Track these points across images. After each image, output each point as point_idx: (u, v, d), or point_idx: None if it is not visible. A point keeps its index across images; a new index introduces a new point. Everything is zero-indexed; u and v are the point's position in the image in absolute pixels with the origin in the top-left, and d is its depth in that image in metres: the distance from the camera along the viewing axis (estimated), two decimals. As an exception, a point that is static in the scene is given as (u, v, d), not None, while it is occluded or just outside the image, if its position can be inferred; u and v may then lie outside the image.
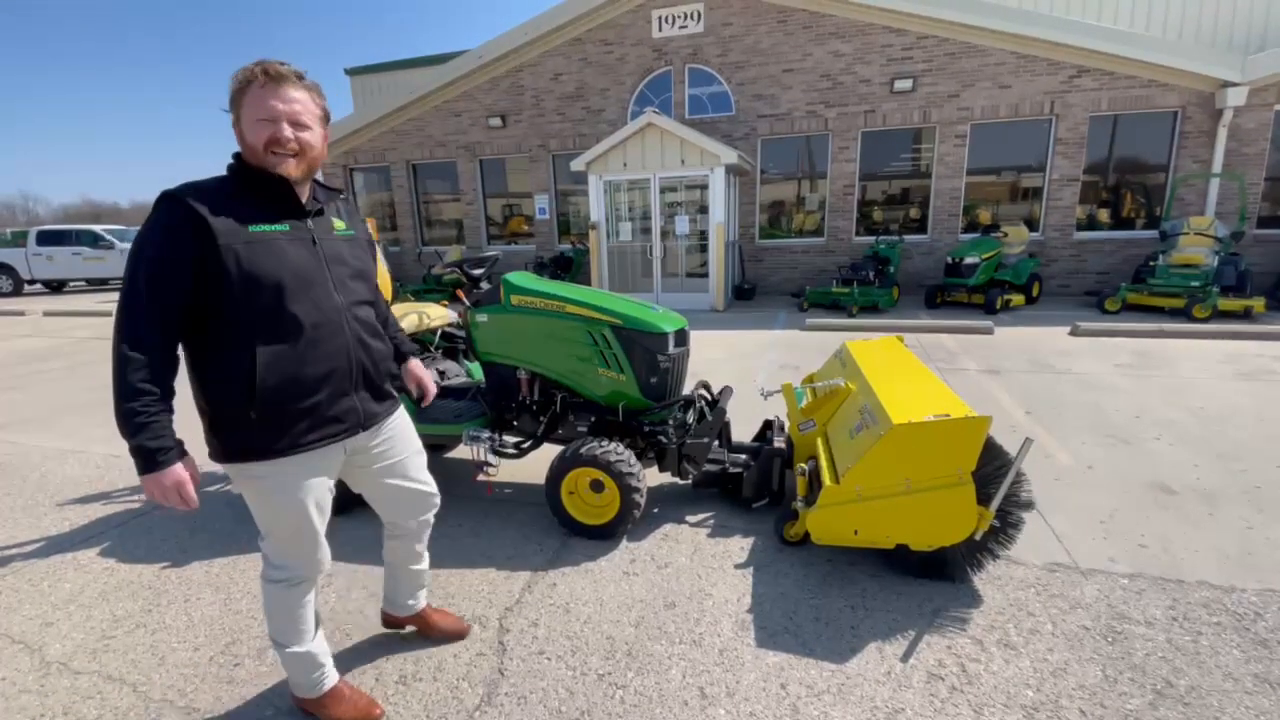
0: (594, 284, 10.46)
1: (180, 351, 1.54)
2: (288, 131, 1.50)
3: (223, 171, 1.59)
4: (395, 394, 1.88)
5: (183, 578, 2.69)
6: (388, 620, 2.23)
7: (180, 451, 1.49)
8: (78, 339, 9.12)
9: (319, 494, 1.68)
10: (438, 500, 2.04)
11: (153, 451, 1.43)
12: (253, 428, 1.53)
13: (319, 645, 1.84)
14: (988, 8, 9.52)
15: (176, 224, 1.43)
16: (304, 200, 1.60)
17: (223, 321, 1.49)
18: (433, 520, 2.07)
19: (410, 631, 2.25)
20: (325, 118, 1.62)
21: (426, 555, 2.14)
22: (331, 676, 1.87)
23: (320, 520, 1.71)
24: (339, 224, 1.71)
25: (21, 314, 12.12)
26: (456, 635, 2.20)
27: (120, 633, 2.33)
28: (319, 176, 1.74)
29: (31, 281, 16.31)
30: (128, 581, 2.67)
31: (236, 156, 1.56)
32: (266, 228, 1.51)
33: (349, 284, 1.66)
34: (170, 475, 1.45)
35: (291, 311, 1.52)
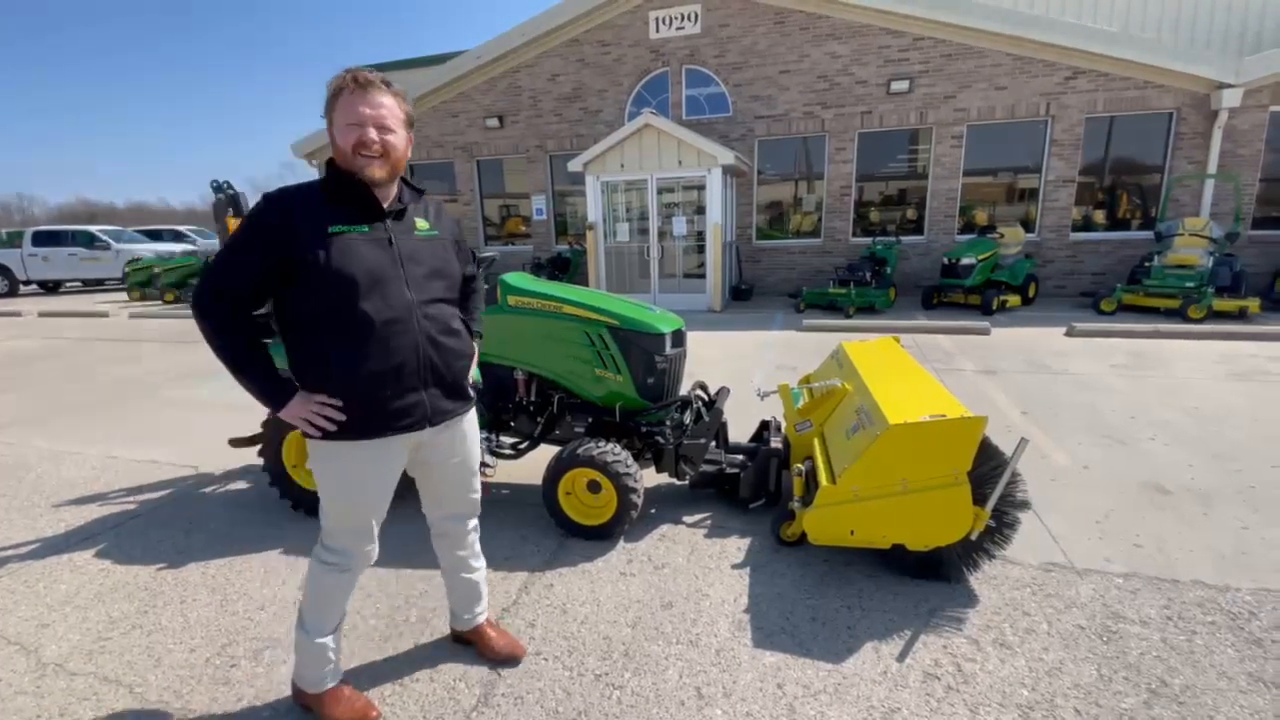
0: (591, 285, 10.46)
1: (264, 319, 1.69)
2: (373, 134, 1.59)
3: (213, 168, 1.63)
4: (470, 394, 1.91)
5: (179, 579, 2.69)
6: (455, 635, 2.21)
7: (295, 384, 1.66)
8: (73, 340, 9.10)
9: (376, 484, 1.75)
10: (478, 511, 2.06)
11: (269, 389, 1.62)
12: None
13: (335, 642, 1.87)
14: (984, 9, 9.55)
15: (259, 224, 1.58)
16: (387, 203, 1.69)
17: (304, 313, 1.62)
18: (476, 530, 2.08)
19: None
20: (409, 121, 1.70)
21: (481, 569, 2.12)
22: (336, 676, 1.90)
23: (374, 510, 1.78)
24: (422, 224, 1.78)
25: (17, 314, 12.08)
26: (510, 656, 2.10)
27: (116, 634, 2.32)
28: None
29: (27, 282, 16.23)
30: (124, 583, 2.67)
31: (329, 162, 1.67)
32: (345, 228, 1.61)
33: (424, 282, 1.72)
34: (298, 403, 1.62)
35: (362, 308, 1.60)
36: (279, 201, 1.60)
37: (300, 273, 1.57)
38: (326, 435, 1.65)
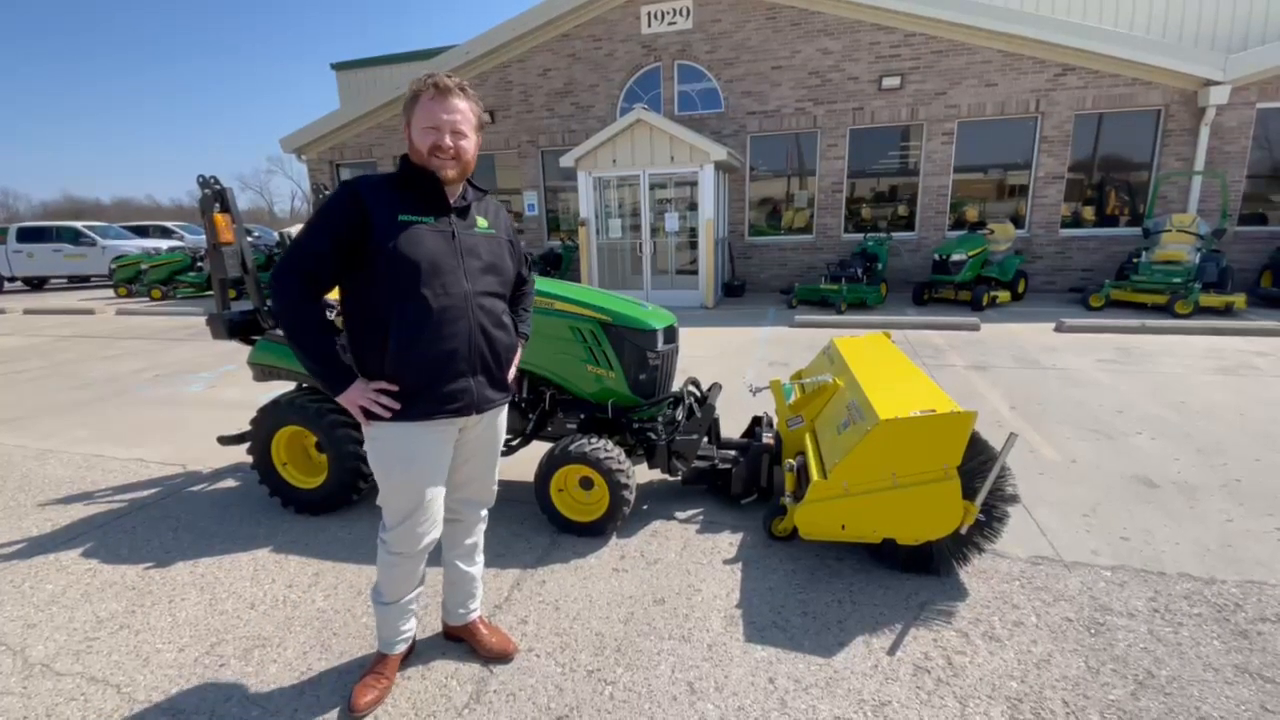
0: (584, 281, 10.44)
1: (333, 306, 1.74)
2: (449, 140, 1.69)
3: (200, 164, 1.65)
4: (510, 387, 1.97)
5: (167, 578, 2.67)
6: (447, 632, 2.22)
7: (355, 372, 1.73)
8: (58, 337, 8.99)
9: (426, 464, 1.80)
10: (493, 501, 2.11)
11: (332, 371, 1.69)
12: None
13: (400, 611, 1.95)
14: (975, 6, 9.58)
15: (337, 207, 1.67)
16: (452, 199, 1.78)
17: (368, 296, 1.70)
18: (485, 521, 2.12)
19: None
20: (480, 124, 1.81)
21: (480, 564, 2.14)
22: (399, 648, 2.00)
23: (427, 492, 1.82)
24: (482, 222, 1.86)
25: (2, 312, 11.93)
26: (501, 654, 2.11)
27: (104, 634, 2.30)
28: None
29: (12, 279, 16.05)
30: (111, 582, 2.64)
31: (403, 157, 1.77)
32: (414, 218, 1.70)
33: (480, 275, 1.80)
34: (357, 389, 1.70)
35: (422, 292, 1.69)
36: (356, 188, 1.68)
37: (369, 255, 1.65)
38: (382, 417, 1.73)
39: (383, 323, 1.69)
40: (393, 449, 1.76)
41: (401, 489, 1.80)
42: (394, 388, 1.70)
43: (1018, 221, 10.39)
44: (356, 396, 1.69)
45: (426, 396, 1.73)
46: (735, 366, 6.03)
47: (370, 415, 1.71)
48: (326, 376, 1.70)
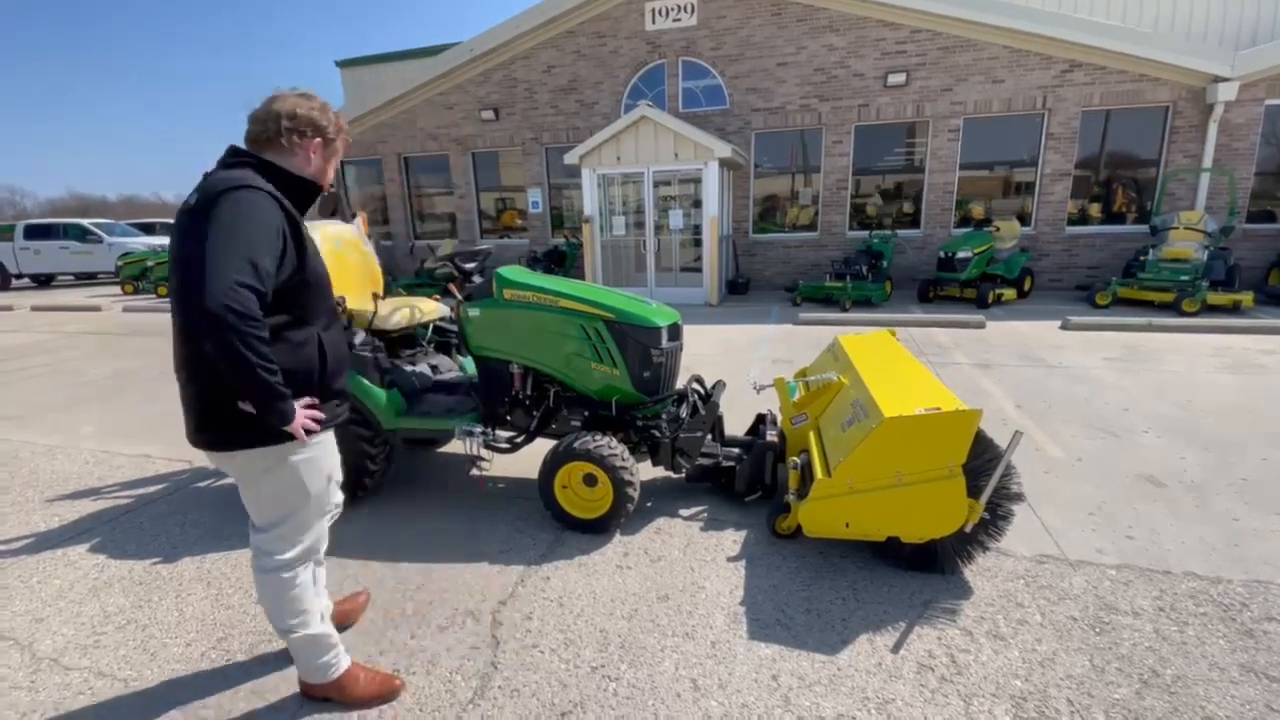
0: (588, 278, 10.44)
1: None
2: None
3: (204, 162, 1.65)
4: None
5: (174, 573, 2.68)
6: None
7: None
8: (65, 333, 9.04)
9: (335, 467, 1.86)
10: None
11: (285, 405, 1.54)
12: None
13: (327, 627, 1.89)
14: (981, 2, 9.52)
15: (274, 216, 1.54)
16: None
17: (298, 310, 1.64)
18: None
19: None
20: None
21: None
22: (344, 659, 1.93)
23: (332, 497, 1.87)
24: None
25: (9, 309, 12.00)
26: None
27: (111, 628, 2.32)
28: None
29: (19, 276, 16.14)
30: (118, 577, 2.66)
31: (273, 166, 1.65)
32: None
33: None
34: (297, 413, 1.61)
35: (328, 304, 1.76)
36: (272, 194, 1.58)
37: (296, 269, 1.61)
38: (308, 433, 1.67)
39: (311, 338, 1.67)
40: (322, 462, 1.76)
41: (321, 501, 1.79)
42: (317, 401, 1.69)
43: (1024, 219, 10.34)
44: (300, 420, 1.60)
45: (340, 401, 1.82)
46: (739, 364, 6.02)
47: (309, 433, 1.64)
48: (284, 409, 1.54)
